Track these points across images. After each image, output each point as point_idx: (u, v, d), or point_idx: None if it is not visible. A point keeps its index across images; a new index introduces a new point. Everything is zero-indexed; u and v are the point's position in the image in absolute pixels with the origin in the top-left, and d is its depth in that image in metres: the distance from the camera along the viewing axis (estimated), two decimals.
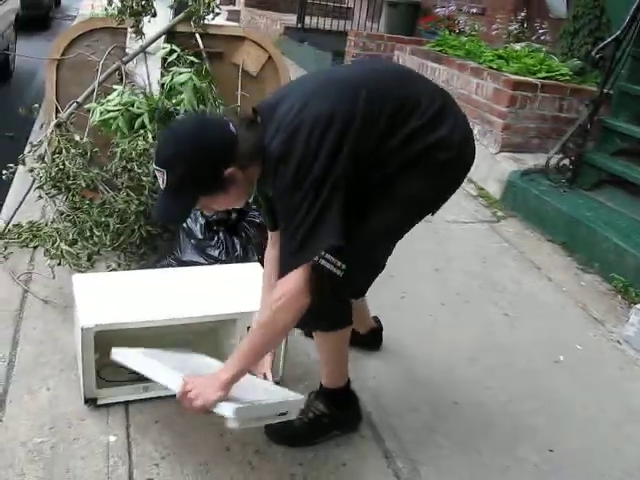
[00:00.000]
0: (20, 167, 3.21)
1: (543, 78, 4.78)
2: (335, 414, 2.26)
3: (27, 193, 3.20)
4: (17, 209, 3.27)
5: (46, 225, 3.04)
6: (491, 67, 4.97)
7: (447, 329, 3.07)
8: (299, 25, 9.51)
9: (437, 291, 3.40)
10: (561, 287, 3.61)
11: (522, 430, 2.46)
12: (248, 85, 3.96)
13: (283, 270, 1.86)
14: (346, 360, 2.26)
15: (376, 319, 2.80)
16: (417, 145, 1.91)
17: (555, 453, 2.37)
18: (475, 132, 5.01)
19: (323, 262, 1.80)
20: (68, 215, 3.18)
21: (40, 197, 3.10)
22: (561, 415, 2.58)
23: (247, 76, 3.97)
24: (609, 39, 4.17)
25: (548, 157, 4.41)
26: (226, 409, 1.84)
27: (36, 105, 3.04)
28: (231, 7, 12.77)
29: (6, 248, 3.13)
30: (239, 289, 2.51)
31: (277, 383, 2.37)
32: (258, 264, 2.69)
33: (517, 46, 5.65)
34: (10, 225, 3.29)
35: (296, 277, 1.81)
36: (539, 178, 4.45)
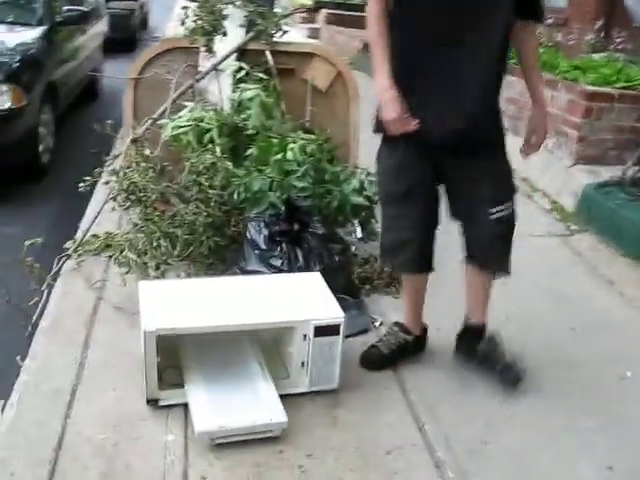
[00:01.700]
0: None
1: (621, 88, 4.65)
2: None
3: (103, 205, 3.38)
4: (94, 220, 3.45)
5: (118, 235, 3.20)
6: (566, 78, 4.88)
7: (509, 343, 3.01)
8: None
9: (501, 305, 3.33)
10: (632, 303, 3.49)
11: (582, 446, 2.41)
12: (318, 101, 4.05)
13: None
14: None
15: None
16: None
17: (614, 471, 2.30)
18: (549, 145, 4.93)
19: None
20: (142, 226, 3.33)
21: (113, 209, 3.26)
22: (624, 433, 2.50)
23: (316, 92, 4.06)
24: None
25: (624, 169, 4.29)
26: (197, 424, 2.20)
27: (109, 121, 3.21)
28: (312, 25, 12.99)
29: (79, 256, 3.30)
30: (299, 298, 2.58)
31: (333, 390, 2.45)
32: (319, 274, 2.75)
33: (597, 56, 5.53)
34: (88, 235, 3.47)
35: None
36: (615, 191, 4.33)
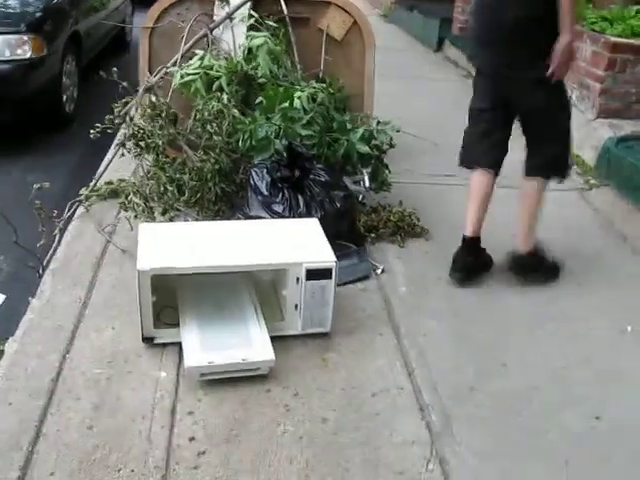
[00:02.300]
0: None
1: None
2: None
3: (115, 152, 3.44)
4: (106, 167, 3.52)
5: (128, 182, 3.26)
6: (593, 30, 4.74)
7: (508, 295, 3.03)
8: None
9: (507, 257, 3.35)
10: None
11: (570, 396, 2.42)
12: (333, 50, 4.01)
13: None
14: None
15: None
16: None
17: (601, 421, 2.31)
18: (573, 98, 4.82)
19: None
20: (154, 173, 3.39)
21: (123, 155, 3.31)
22: (616, 385, 2.50)
23: (332, 41, 4.02)
24: None
25: None
26: (187, 360, 2.27)
27: (115, 69, 3.24)
28: None
29: (87, 200, 3.38)
30: (293, 242, 2.61)
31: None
32: (316, 220, 2.77)
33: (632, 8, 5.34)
34: (102, 182, 3.55)
35: None
36: (636, 145, 4.23)
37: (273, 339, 2.41)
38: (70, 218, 3.33)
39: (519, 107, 2.91)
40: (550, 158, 2.95)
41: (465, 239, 3.03)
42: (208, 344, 2.35)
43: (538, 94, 2.81)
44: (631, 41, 4.45)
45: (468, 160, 3.05)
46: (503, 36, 2.76)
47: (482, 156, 2.99)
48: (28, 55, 4.62)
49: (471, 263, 3.04)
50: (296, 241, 2.60)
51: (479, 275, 3.07)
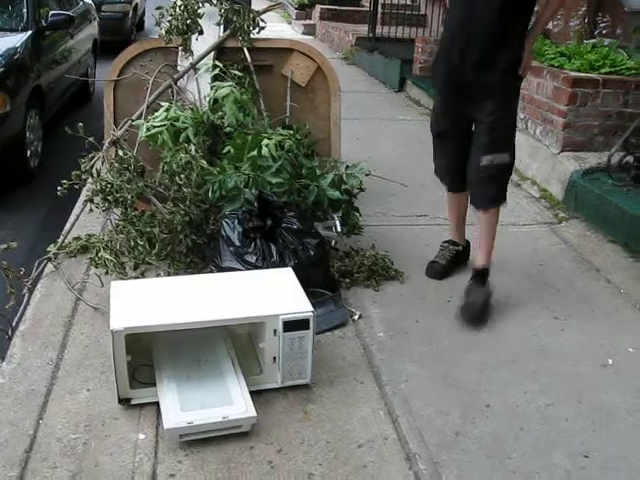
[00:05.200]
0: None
1: (606, 73, 4.62)
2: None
3: (83, 208, 3.39)
4: (74, 223, 3.47)
5: (98, 237, 3.20)
6: (552, 65, 4.84)
7: (490, 334, 3.02)
8: (370, 35, 9.57)
9: None
10: (619, 289, 3.47)
11: (558, 435, 2.39)
12: (298, 96, 4.04)
13: None
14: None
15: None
16: None
17: (590, 459, 2.29)
18: (537, 132, 4.91)
19: None
20: (123, 227, 3.34)
21: (91, 210, 3.26)
22: (602, 420, 2.48)
23: (296, 87, 4.05)
24: None
25: (609, 154, 4.25)
26: (166, 421, 2.19)
27: (81, 124, 3.21)
28: (307, 21, 12.98)
29: (55, 258, 3.31)
30: (269, 293, 2.57)
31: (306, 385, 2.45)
32: (290, 269, 2.74)
33: (587, 42, 5.48)
34: (70, 238, 3.48)
35: None
36: (602, 177, 4.30)
37: (253, 393, 2.36)
38: (39, 277, 3.25)
39: None
40: None
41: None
42: (187, 403, 2.29)
43: None
44: (590, 75, 4.56)
45: None
46: None
47: None
48: None
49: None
50: (272, 292, 2.56)
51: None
